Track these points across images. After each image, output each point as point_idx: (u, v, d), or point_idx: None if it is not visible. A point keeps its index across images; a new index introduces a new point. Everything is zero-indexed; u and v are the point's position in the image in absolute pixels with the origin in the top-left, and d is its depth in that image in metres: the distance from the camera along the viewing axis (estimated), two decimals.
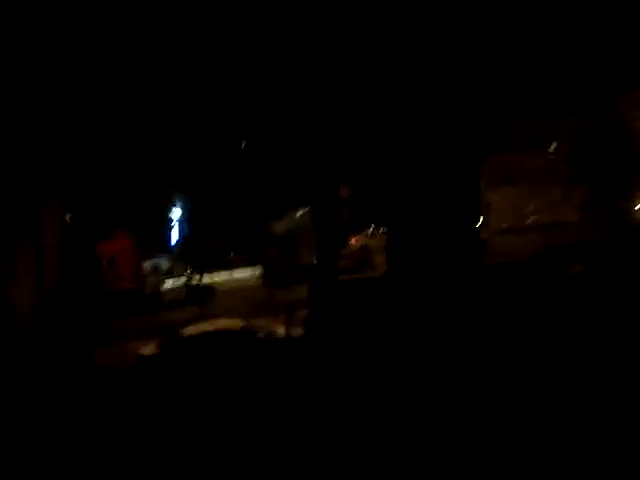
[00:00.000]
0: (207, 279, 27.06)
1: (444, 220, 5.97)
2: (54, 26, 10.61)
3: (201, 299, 23.34)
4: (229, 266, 33.61)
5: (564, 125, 30.64)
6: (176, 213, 33.34)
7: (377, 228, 35.78)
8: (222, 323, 17.59)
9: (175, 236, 33.79)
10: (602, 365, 9.45)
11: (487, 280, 6.72)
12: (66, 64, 11.05)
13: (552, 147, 35.36)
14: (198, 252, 29.59)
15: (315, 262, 21.59)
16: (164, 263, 34.72)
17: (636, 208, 26.38)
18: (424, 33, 5.78)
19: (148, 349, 16.67)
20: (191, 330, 17.09)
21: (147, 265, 32.25)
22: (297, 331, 15.64)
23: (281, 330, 16.17)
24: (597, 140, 27.09)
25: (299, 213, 31.88)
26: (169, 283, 28.17)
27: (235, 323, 17.20)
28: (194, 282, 26.21)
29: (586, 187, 29.43)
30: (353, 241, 34.23)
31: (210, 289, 26.17)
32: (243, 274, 31.71)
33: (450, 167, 5.95)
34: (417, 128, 5.94)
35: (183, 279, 28.49)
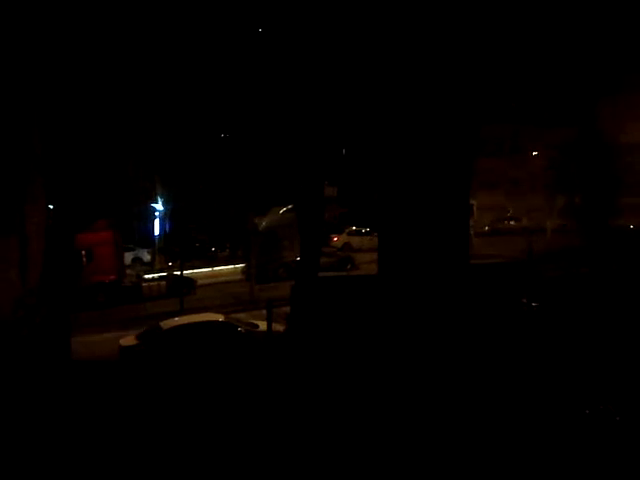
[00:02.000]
0: (188, 272, 26.98)
1: (436, 220, 6.09)
2: (44, 22, 10.50)
3: (182, 292, 23.27)
4: (211, 260, 33.64)
5: (547, 135, 31.16)
6: (159, 206, 33.14)
7: (360, 227, 36.10)
8: (203, 316, 17.58)
9: (157, 229, 33.59)
10: (577, 364, 9.70)
11: (470, 280, 6.87)
12: (53, 58, 10.95)
13: (534, 155, 35.89)
14: (180, 245, 29.45)
15: (297, 259, 21.73)
16: (145, 255, 34.61)
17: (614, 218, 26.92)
18: (422, 41, 5.91)
19: (128, 340, 16.61)
20: (171, 322, 17.06)
21: (128, 257, 32.16)
22: (278, 326, 15.72)
23: (262, 325, 16.23)
24: (578, 151, 27.61)
25: (282, 210, 31.98)
26: (150, 275, 28.03)
27: (216, 317, 17.19)
28: (175, 275, 26.11)
29: (566, 195, 29.96)
30: (335, 239, 34.50)
31: (191, 282, 26.11)
32: (225, 269, 31.75)
33: (443, 168, 6.08)
34: (411, 128, 6.05)
35: (164, 272, 28.38)
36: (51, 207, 11.35)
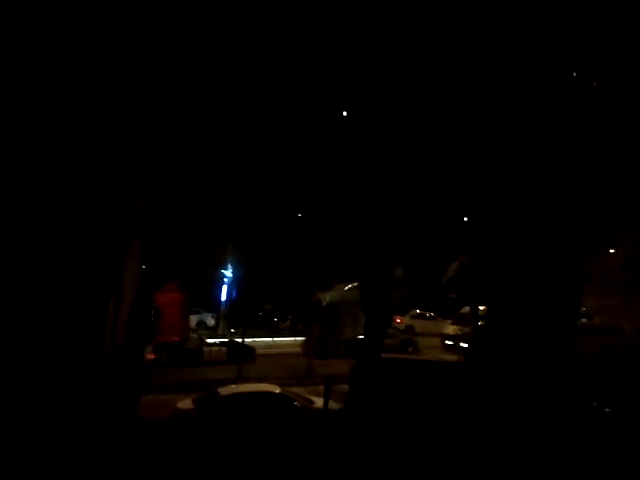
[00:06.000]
0: (249, 341, 27.18)
1: (545, 314, 6.21)
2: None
3: (241, 360, 23.39)
4: (272, 331, 33.84)
5: (627, 234, 30.25)
6: (228, 273, 33.99)
7: (424, 311, 35.53)
8: (260, 386, 17.59)
9: (224, 295, 34.30)
10: None
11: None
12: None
13: (610, 253, 34.69)
14: (244, 313, 29.88)
15: (359, 337, 21.56)
16: (209, 320, 35.22)
17: None
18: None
19: (185, 404, 16.76)
20: (229, 390, 17.15)
21: (193, 320, 32.80)
22: (334, 404, 15.50)
23: (319, 401, 16.05)
24: None
25: (347, 287, 32.09)
26: (212, 340, 28.40)
27: (273, 388, 17.17)
28: (236, 342, 26.37)
29: None
30: (398, 321, 34.04)
31: (251, 351, 26.24)
32: (285, 340, 31.82)
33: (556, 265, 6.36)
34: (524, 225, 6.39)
35: (226, 338, 28.71)
36: (143, 267, 11.99)
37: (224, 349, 26.41)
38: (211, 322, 34.50)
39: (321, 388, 16.17)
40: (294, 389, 18.72)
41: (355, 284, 28.96)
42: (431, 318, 33.98)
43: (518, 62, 9.32)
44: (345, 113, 16.32)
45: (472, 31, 12.31)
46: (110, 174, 10.21)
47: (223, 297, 34.25)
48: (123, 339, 10.43)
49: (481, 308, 26.76)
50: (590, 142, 7.33)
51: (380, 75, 15.17)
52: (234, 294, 34.56)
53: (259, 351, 27.00)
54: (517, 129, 8.12)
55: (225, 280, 34.08)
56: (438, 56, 13.77)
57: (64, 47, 10.06)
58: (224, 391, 16.97)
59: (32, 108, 9.85)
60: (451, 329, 30.30)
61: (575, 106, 7.37)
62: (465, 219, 25.94)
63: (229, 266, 33.91)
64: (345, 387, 15.47)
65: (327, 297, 30.18)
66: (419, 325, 33.77)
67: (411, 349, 28.16)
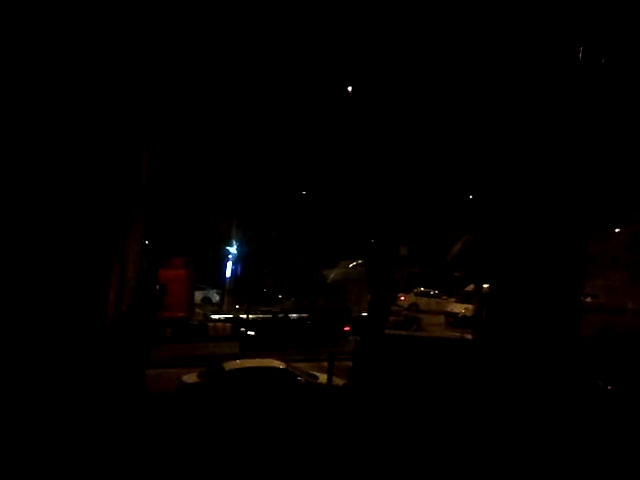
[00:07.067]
0: (253, 317, 27.32)
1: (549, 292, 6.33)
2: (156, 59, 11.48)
3: (246, 336, 23.56)
4: (276, 307, 33.97)
5: (630, 213, 30.03)
6: (233, 249, 34.01)
7: (428, 289, 35.62)
8: (264, 362, 17.73)
9: (229, 271, 34.38)
10: None
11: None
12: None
13: (616, 232, 34.47)
14: (248, 289, 29.98)
15: (362, 314, 21.75)
16: (214, 296, 35.37)
17: None
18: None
19: (190, 378, 16.96)
20: (233, 365, 17.31)
21: (198, 296, 32.94)
22: (338, 380, 15.65)
23: (322, 377, 16.20)
24: None
25: (351, 264, 32.16)
26: (217, 316, 28.57)
27: (277, 363, 17.32)
28: (241, 318, 26.51)
29: None
30: (402, 299, 34.16)
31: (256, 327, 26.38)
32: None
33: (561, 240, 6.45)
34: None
35: (231, 314, 28.87)
36: (146, 242, 12.03)
37: (229, 325, 26.58)
38: (216, 298, 34.64)
39: (325, 364, 16.31)
40: (299, 365, 18.88)
41: (360, 262, 29.04)
42: (435, 296, 34.07)
43: (523, 38, 9.22)
44: (350, 89, 16.20)
45: (479, 8, 12.18)
46: (111, 146, 10.20)
47: (228, 273, 34.35)
48: (127, 310, 10.51)
49: (485, 286, 26.83)
50: (596, 121, 7.36)
51: (387, 51, 15.03)
52: (239, 271, 34.64)
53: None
54: (521, 108, 8.11)
55: (230, 257, 34.13)
56: (443, 34, 13.64)
57: (70, 27, 10.04)
58: (229, 366, 17.13)
59: (32, 84, 9.84)
60: (455, 307, 30.43)
61: (581, 83, 7.36)
62: (470, 197, 25.87)
63: (234, 243, 33.93)
64: (349, 363, 15.60)
65: (332, 274, 30.28)
66: (423, 303, 33.91)
67: (415, 326, 28.28)
